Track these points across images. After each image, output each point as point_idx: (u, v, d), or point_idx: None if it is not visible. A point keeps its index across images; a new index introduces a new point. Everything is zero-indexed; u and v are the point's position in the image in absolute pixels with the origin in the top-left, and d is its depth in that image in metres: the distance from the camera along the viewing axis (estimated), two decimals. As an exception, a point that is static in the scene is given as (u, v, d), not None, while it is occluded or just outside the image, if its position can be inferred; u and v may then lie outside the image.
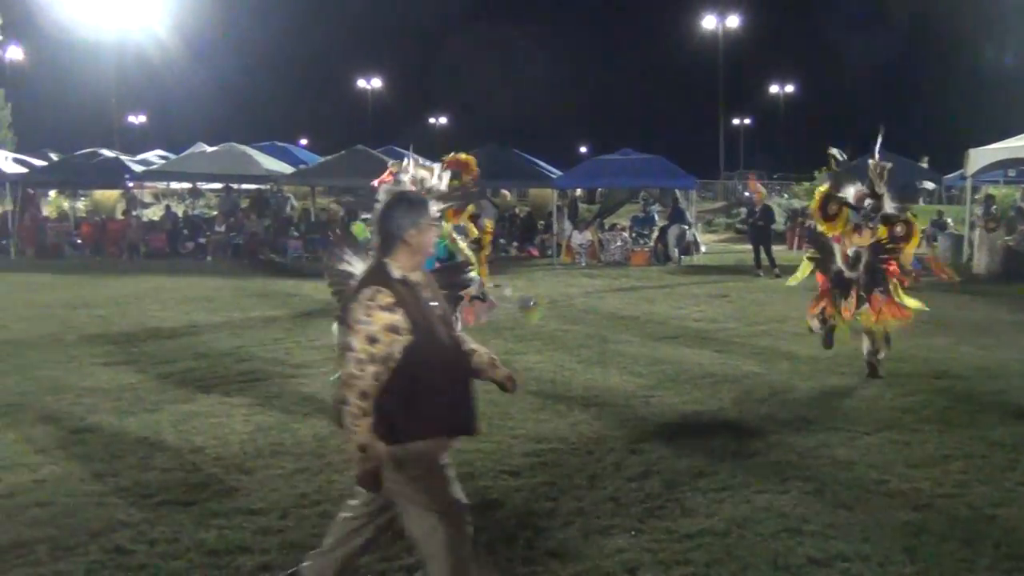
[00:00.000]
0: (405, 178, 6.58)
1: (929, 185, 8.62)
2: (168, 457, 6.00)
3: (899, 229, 8.36)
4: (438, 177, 6.53)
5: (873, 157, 8.56)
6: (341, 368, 3.37)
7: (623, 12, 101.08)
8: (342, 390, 3.31)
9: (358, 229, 6.52)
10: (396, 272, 3.44)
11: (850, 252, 8.34)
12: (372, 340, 3.28)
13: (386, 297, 3.33)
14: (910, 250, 8.54)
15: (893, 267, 8.29)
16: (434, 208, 3.62)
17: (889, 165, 8.55)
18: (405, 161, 6.63)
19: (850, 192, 8.42)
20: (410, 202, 3.58)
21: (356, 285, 3.50)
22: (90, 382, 8.14)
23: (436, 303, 3.56)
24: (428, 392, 3.40)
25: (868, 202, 8.33)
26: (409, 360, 3.34)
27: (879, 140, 8.87)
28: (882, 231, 8.27)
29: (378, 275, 3.45)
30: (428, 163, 6.63)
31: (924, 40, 54.21)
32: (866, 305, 8.27)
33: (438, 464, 3.51)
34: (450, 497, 3.50)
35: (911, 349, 9.74)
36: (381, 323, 3.29)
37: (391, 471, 3.37)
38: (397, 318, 3.32)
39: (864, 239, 8.30)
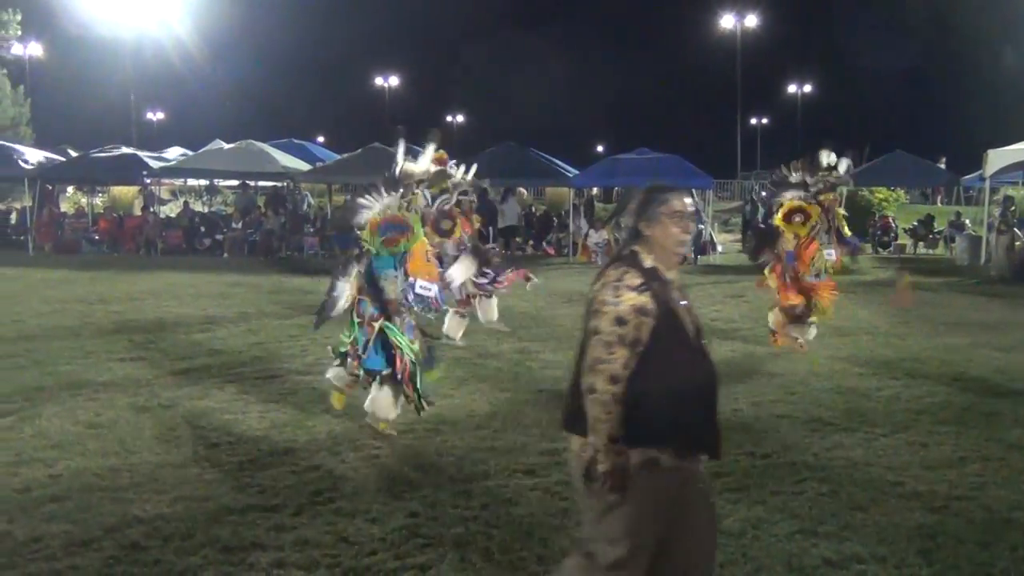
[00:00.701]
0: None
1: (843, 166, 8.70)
2: (183, 453, 6.03)
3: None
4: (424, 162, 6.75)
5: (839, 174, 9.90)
6: (588, 354, 3.11)
7: (641, 11, 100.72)
8: (589, 377, 3.06)
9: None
10: (647, 262, 3.23)
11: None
12: (620, 321, 3.06)
13: (635, 278, 3.13)
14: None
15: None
16: (687, 200, 3.32)
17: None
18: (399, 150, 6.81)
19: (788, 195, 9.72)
20: (649, 193, 3.34)
21: (603, 266, 3.28)
22: (106, 377, 8.19)
23: (686, 303, 3.30)
24: (665, 393, 3.09)
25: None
26: (650, 349, 3.09)
27: (846, 164, 10.16)
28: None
29: (627, 259, 3.24)
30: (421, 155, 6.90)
31: (944, 40, 53.79)
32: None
33: (654, 495, 3.11)
34: (641, 550, 3.11)
35: (928, 351, 9.69)
36: (629, 303, 3.07)
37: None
38: (645, 299, 3.09)
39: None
